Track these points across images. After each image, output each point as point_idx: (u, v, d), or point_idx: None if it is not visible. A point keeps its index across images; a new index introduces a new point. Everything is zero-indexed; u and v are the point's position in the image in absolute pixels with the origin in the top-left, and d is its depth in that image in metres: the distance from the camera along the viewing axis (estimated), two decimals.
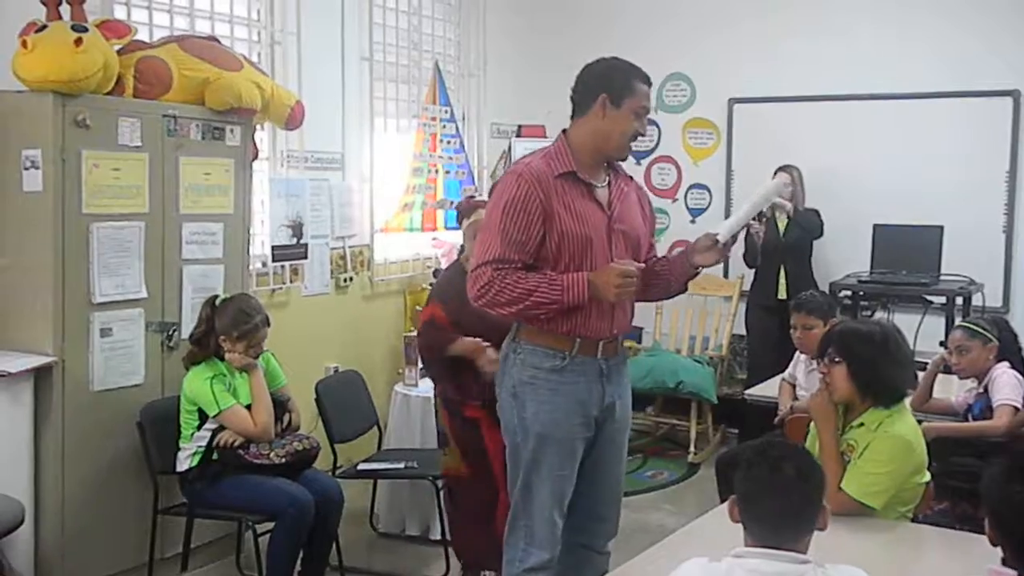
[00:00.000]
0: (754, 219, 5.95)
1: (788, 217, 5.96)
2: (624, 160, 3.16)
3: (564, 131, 3.09)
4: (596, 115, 3.00)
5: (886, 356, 2.95)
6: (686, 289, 3.26)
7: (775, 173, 6.02)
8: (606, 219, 3.02)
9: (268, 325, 3.94)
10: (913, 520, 2.96)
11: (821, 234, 6.02)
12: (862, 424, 2.92)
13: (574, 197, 2.97)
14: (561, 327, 2.97)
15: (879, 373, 2.93)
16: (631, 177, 3.22)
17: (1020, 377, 3.82)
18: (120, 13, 4.36)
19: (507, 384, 3.06)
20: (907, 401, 3.05)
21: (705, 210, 6.86)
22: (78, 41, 3.60)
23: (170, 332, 4.09)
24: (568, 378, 2.99)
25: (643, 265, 3.04)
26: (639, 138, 3.07)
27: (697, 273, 3.16)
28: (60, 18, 3.73)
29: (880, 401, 2.93)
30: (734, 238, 3.08)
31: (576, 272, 2.91)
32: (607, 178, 3.08)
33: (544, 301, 2.88)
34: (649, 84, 3.06)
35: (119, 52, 3.88)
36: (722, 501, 2.65)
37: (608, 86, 2.99)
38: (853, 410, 2.97)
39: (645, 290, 3.11)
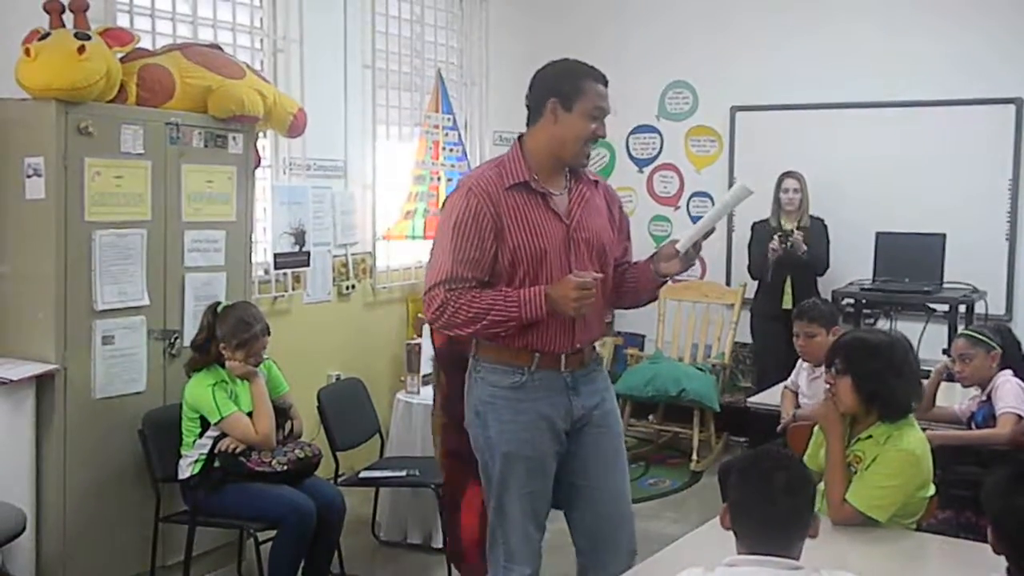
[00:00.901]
0: (777, 235, 5.91)
1: (793, 246, 5.91)
2: (584, 166, 3.01)
3: (520, 137, 2.97)
4: (548, 121, 2.87)
5: (891, 370, 2.89)
6: (656, 297, 3.19)
7: (780, 180, 6.04)
8: (564, 228, 2.89)
9: (268, 334, 3.94)
10: (916, 529, 2.94)
11: (827, 267, 5.99)
12: (870, 436, 2.88)
13: (528, 209, 2.85)
14: (517, 342, 2.86)
15: (884, 387, 2.87)
16: (597, 181, 3.08)
17: (1023, 385, 3.82)
18: (123, 21, 4.37)
19: (471, 403, 2.98)
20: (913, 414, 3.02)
21: None
22: (81, 49, 3.60)
23: (172, 340, 4.08)
24: (529, 395, 2.89)
25: (601, 275, 2.86)
26: (599, 139, 2.94)
27: (665, 281, 3.06)
28: (63, 26, 3.73)
29: (885, 415, 2.88)
30: (697, 247, 2.95)
31: (533, 286, 2.80)
32: (567, 184, 2.95)
33: (501, 319, 2.78)
34: (605, 83, 2.90)
35: (122, 60, 3.88)
36: None
37: (557, 90, 2.86)
38: (860, 422, 2.93)
39: (617, 298, 3.05)
